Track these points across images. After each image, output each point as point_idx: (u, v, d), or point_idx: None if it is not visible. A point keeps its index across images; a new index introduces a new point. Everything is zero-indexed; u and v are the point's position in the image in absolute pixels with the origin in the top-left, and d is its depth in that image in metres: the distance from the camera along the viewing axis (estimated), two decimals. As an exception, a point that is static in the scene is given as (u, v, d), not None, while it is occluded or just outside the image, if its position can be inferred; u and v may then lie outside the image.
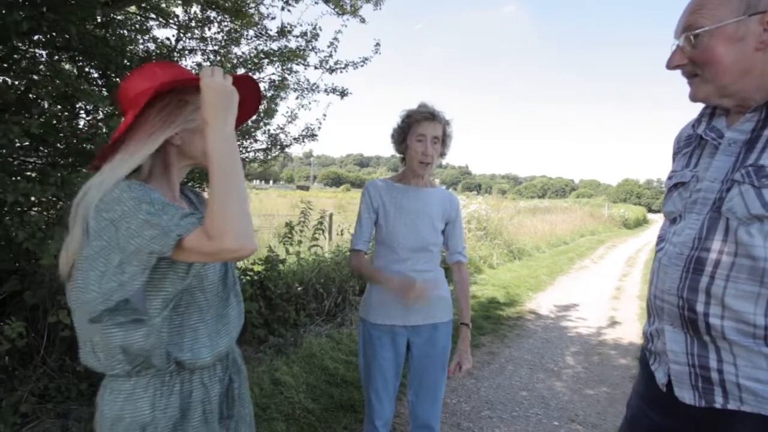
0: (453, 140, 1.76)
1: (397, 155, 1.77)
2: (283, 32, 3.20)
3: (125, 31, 2.39)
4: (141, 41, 2.69)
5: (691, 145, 1.01)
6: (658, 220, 35.37)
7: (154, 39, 3.02)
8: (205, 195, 1.15)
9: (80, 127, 2.84)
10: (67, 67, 2.64)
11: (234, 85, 0.86)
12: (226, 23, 3.11)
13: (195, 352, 0.93)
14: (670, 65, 0.93)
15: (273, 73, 3.33)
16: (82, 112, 2.77)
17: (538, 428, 2.58)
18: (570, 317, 5.13)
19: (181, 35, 2.54)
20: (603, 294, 6.46)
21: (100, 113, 2.75)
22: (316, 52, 3.39)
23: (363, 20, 4.09)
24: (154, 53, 2.56)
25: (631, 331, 4.62)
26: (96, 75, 2.74)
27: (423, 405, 1.71)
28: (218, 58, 2.97)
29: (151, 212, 0.81)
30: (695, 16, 0.87)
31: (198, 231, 0.82)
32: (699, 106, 1.00)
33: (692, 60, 0.90)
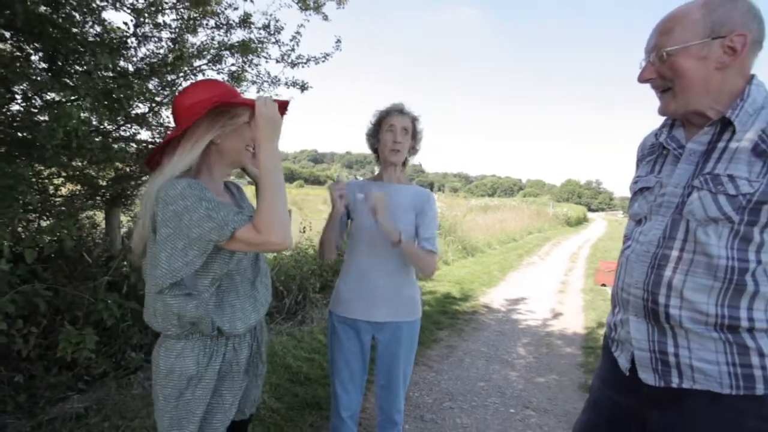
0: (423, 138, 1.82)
1: (373, 154, 1.82)
2: (245, 22, 3.09)
3: (75, 13, 2.21)
4: (90, 23, 2.49)
5: (654, 153, 1.13)
6: (596, 219, 37.95)
7: (102, 21, 2.81)
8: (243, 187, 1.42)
9: (15, 113, 2.60)
10: (1, 46, 2.40)
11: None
12: (183, 10, 2.96)
13: (232, 323, 1.15)
14: (642, 79, 1.04)
15: (233, 64, 3.22)
16: (18, 96, 2.54)
17: (496, 416, 2.72)
18: (520, 310, 5.40)
19: (141, 21, 2.39)
20: (550, 288, 6.86)
21: (38, 99, 2.53)
22: (279, 46, 3.32)
23: (326, 17, 4.05)
24: (106, 38, 2.39)
25: (575, 322, 4.96)
26: (36, 57, 2.51)
27: (387, 400, 1.76)
28: (175, 45, 2.83)
29: (209, 208, 1.02)
30: (665, 36, 0.98)
31: (249, 225, 1.04)
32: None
33: (661, 75, 1.00)
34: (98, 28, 2.70)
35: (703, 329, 0.95)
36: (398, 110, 1.72)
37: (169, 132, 3.01)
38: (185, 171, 1.10)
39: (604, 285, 6.92)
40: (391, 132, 1.69)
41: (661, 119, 1.12)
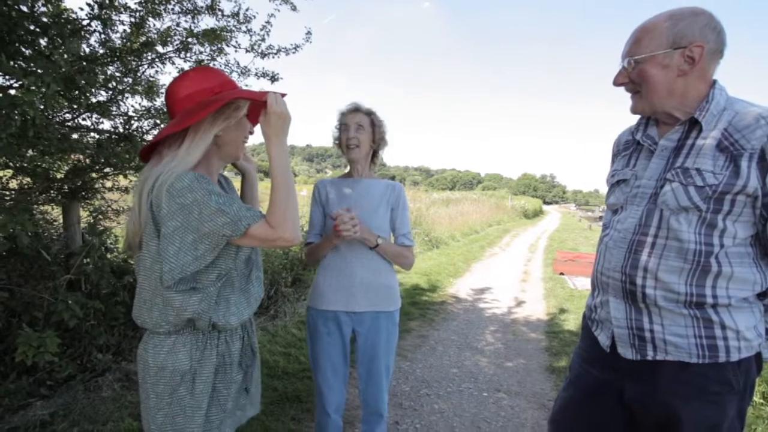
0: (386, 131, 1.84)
1: (343, 156, 1.84)
2: (212, 9, 2.98)
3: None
4: (45, 2, 2.31)
5: (629, 149, 1.23)
6: (551, 212, 39.69)
7: (53, 2, 2.61)
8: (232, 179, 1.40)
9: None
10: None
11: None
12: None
13: (227, 317, 1.13)
14: (616, 83, 1.14)
15: (201, 52, 3.09)
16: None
17: (471, 400, 2.83)
18: (486, 300, 5.60)
19: (105, 2, 2.23)
20: (512, 278, 7.15)
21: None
22: (250, 35, 3.22)
23: (294, 8, 3.97)
24: (62, 19, 2.22)
25: (538, 309, 5.21)
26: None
27: (372, 393, 1.77)
28: (139, 30, 2.67)
29: (221, 203, 1.00)
30: (635, 46, 1.09)
31: (262, 221, 1.03)
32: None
33: (631, 79, 1.11)
34: (50, 8, 2.51)
35: (675, 306, 1.05)
36: (350, 109, 1.77)
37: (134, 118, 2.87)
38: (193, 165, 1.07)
39: (562, 274, 7.29)
40: (346, 130, 1.74)
41: (629, 118, 1.24)
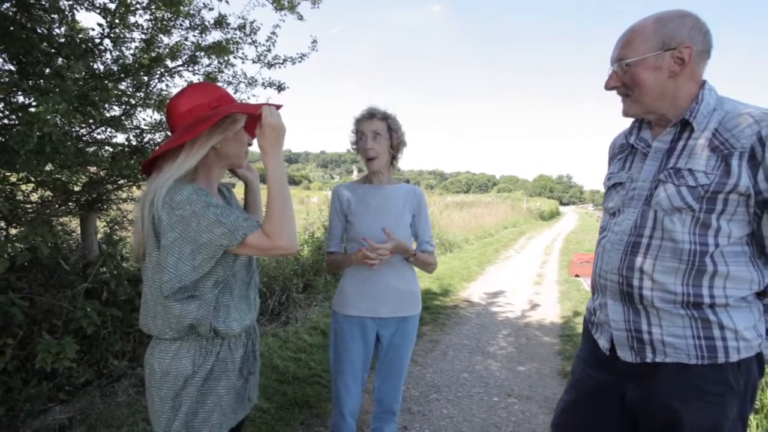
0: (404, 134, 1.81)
1: (360, 161, 1.84)
2: (220, 23, 3.06)
3: (43, 13, 2.14)
4: (58, 24, 2.42)
5: (624, 152, 1.24)
6: (568, 213, 39.05)
7: (69, 22, 2.73)
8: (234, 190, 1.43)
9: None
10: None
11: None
12: (156, 10, 2.90)
13: (228, 324, 1.16)
14: (607, 87, 1.15)
15: (209, 65, 3.18)
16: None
17: (481, 405, 2.81)
18: (499, 303, 5.55)
19: (115, 22, 2.33)
20: (526, 280, 7.06)
21: (3, 102, 2.44)
22: (256, 47, 3.30)
23: (301, 17, 4.05)
24: (77, 38, 2.33)
25: (552, 312, 5.14)
26: (0, 60, 2.42)
27: (388, 392, 1.80)
28: (149, 46, 2.77)
29: (218, 213, 1.04)
30: (625, 49, 1.09)
31: (259, 231, 1.07)
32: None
33: (623, 83, 1.12)
34: (64, 29, 2.62)
35: (672, 307, 1.04)
36: (366, 116, 1.72)
37: (146, 133, 2.97)
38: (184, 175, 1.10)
39: (578, 276, 7.17)
40: (363, 140, 1.70)
41: (629, 119, 1.23)
